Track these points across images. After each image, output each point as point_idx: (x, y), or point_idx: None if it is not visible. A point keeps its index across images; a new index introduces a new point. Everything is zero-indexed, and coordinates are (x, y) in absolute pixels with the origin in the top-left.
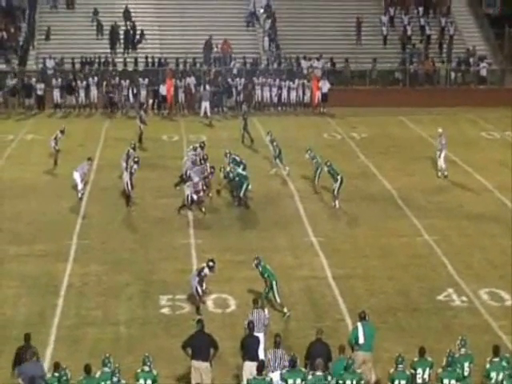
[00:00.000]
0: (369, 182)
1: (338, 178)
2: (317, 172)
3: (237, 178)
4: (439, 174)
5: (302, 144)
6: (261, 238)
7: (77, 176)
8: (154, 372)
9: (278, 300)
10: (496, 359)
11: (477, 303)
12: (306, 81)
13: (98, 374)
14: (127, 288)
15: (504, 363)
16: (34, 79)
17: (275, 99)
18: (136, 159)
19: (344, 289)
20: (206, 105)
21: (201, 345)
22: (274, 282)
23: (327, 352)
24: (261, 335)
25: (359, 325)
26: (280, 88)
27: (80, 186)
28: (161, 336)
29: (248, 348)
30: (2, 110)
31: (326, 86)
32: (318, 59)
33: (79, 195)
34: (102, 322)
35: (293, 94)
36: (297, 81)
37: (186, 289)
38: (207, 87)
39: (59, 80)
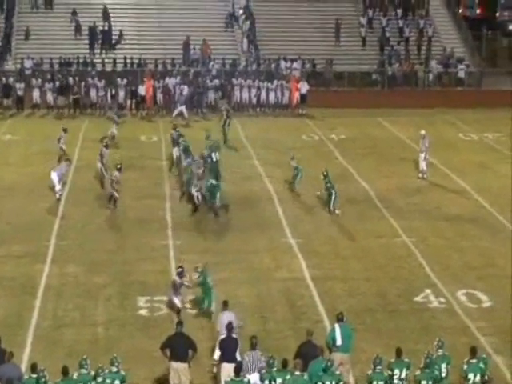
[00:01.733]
0: (347, 183)
1: (333, 191)
2: (296, 177)
3: (207, 192)
4: (420, 175)
5: (281, 145)
6: (240, 239)
7: (54, 176)
8: (122, 372)
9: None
10: (473, 360)
11: (454, 304)
12: (284, 82)
13: (75, 376)
14: (105, 289)
15: (481, 364)
16: (11, 79)
17: (254, 100)
18: (118, 166)
19: (322, 290)
20: (182, 108)
21: (179, 346)
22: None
23: (318, 353)
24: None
25: (336, 326)
26: (259, 89)
27: (58, 187)
28: (139, 337)
29: (226, 349)
30: None
31: (304, 87)
32: (296, 60)
33: (57, 196)
34: (79, 324)
35: (271, 95)
36: (275, 82)
37: (164, 290)
38: (184, 90)
39: (55, 81)
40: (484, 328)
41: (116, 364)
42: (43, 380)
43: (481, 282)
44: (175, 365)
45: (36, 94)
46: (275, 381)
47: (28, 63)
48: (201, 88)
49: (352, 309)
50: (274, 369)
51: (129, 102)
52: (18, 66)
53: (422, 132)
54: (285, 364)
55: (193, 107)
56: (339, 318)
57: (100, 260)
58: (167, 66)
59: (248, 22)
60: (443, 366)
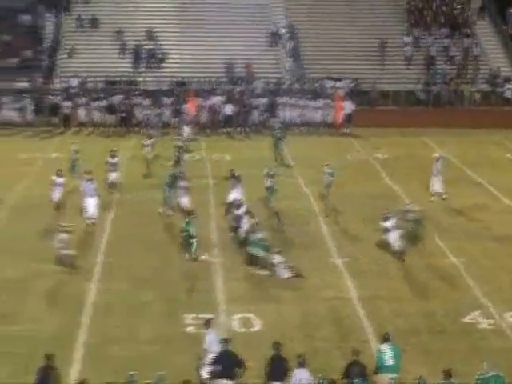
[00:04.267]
0: (392, 202)
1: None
2: (328, 189)
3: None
4: (431, 198)
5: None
6: (285, 258)
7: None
8: None
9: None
10: None
11: (504, 326)
12: (330, 101)
13: None
14: (151, 306)
15: None
16: (59, 97)
17: (299, 119)
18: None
19: (369, 310)
20: (186, 129)
21: (227, 363)
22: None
23: (365, 372)
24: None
25: (385, 346)
26: (304, 108)
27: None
28: (186, 354)
29: (274, 368)
30: (28, 128)
31: (350, 106)
32: (341, 79)
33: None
34: (126, 340)
35: (317, 114)
36: (321, 100)
37: (210, 308)
38: (228, 109)
39: (101, 99)
40: None
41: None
42: None
43: None
44: (222, 382)
45: (82, 112)
46: None
47: (74, 82)
48: (246, 107)
49: (399, 329)
50: None
51: (173, 120)
52: (64, 84)
53: (436, 155)
54: None
55: (238, 126)
56: (386, 338)
57: (146, 277)
58: (212, 84)
59: (292, 41)
60: None
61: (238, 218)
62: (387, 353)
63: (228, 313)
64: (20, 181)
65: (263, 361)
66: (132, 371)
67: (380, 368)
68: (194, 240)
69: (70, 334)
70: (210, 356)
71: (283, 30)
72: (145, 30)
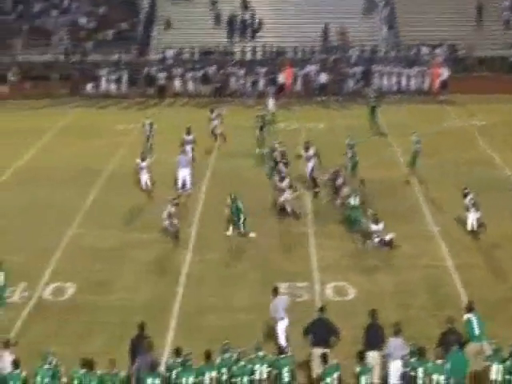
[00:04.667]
0: (491, 169)
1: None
2: (415, 159)
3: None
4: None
5: (422, 131)
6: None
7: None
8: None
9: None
10: None
11: None
12: (425, 68)
13: (218, 360)
14: (246, 275)
15: None
16: (154, 69)
17: (395, 87)
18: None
19: (465, 278)
20: (271, 101)
21: (322, 331)
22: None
23: (460, 340)
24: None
25: (471, 316)
26: (399, 75)
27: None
28: None
29: (370, 337)
30: (123, 99)
31: (445, 73)
32: (438, 46)
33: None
34: (221, 309)
35: (412, 82)
36: (416, 68)
37: (305, 277)
38: (322, 78)
39: (196, 70)
40: None
41: (259, 349)
42: (189, 363)
43: None
44: (317, 350)
45: (177, 83)
46: (415, 370)
47: (169, 53)
48: (340, 75)
49: (496, 297)
50: (414, 358)
51: (268, 89)
52: (160, 55)
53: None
54: (422, 352)
55: (332, 94)
56: (471, 308)
57: (240, 247)
58: (306, 53)
59: (387, 8)
60: None
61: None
62: (474, 322)
63: (322, 281)
64: (117, 151)
65: (357, 329)
66: (226, 340)
67: (470, 338)
68: (241, 215)
69: (164, 304)
70: (281, 324)
71: None
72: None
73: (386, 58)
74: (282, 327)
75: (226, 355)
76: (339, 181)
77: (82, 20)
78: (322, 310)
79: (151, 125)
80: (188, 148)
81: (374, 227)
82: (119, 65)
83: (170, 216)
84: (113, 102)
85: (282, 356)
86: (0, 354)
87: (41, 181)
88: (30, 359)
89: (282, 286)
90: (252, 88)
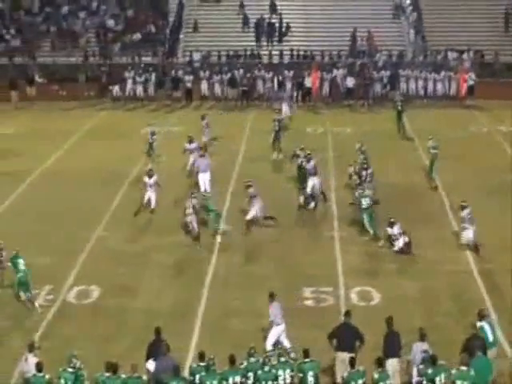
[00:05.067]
0: None
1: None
2: (433, 164)
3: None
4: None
5: (448, 136)
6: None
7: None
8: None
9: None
10: None
11: None
12: (452, 73)
13: (244, 364)
14: (270, 279)
15: None
16: (180, 72)
17: (421, 91)
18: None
19: (489, 284)
20: (284, 107)
21: (346, 336)
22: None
23: (484, 346)
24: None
25: (484, 324)
26: (426, 80)
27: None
28: (305, 328)
29: (388, 345)
30: (150, 102)
31: (472, 78)
32: (464, 52)
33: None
34: (245, 313)
35: (439, 86)
36: (443, 73)
37: (330, 281)
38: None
39: (223, 73)
40: None
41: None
42: (212, 368)
43: None
44: (342, 355)
45: (204, 86)
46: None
47: (196, 56)
48: (367, 80)
49: None
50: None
51: (295, 93)
52: (187, 58)
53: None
54: (434, 360)
55: (359, 99)
56: (483, 315)
57: (265, 250)
58: (334, 57)
59: (415, 13)
60: None
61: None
62: (487, 329)
63: (347, 286)
64: (142, 154)
65: (380, 335)
66: (251, 344)
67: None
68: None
69: (188, 307)
70: (276, 329)
71: (407, 2)
72: (267, 2)
73: (413, 62)
74: (276, 332)
75: (252, 359)
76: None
77: (110, 22)
78: (347, 314)
79: (153, 133)
80: (191, 156)
81: (389, 231)
82: (146, 67)
83: (193, 208)
84: (140, 105)
85: (307, 360)
86: (25, 356)
87: (66, 183)
88: (54, 362)
89: (307, 291)
90: (279, 92)
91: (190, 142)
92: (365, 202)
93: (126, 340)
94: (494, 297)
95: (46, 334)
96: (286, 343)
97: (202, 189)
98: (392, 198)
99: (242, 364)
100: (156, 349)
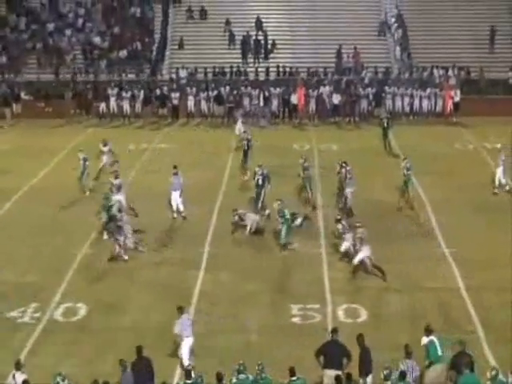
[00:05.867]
0: (501, 192)
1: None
2: (407, 184)
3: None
4: (495, 190)
5: (434, 153)
6: (391, 248)
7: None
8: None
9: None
10: None
11: None
12: (438, 90)
13: (234, 380)
14: (257, 296)
15: None
16: (165, 88)
17: (407, 108)
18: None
19: (476, 301)
20: (239, 125)
21: (334, 353)
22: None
23: (471, 363)
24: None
25: (433, 338)
26: (412, 97)
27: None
28: (292, 345)
29: (365, 361)
30: (136, 119)
31: (458, 95)
32: (449, 68)
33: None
34: (232, 330)
35: (425, 103)
36: (429, 90)
37: (317, 298)
38: (336, 99)
39: (209, 90)
40: None
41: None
42: None
43: None
44: (329, 372)
45: (191, 103)
46: None
47: (182, 73)
48: (353, 96)
49: (506, 320)
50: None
51: (281, 110)
52: (173, 75)
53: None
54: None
55: (345, 116)
56: (430, 330)
57: (252, 267)
58: (320, 74)
59: (400, 30)
60: None
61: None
62: (436, 343)
63: (334, 303)
64: (129, 172)
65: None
66: (241, 360)
67: (435, 359)
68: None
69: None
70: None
71: (392, 19)
72: (253, 19)
73: (399, 79)
74: (187, 345)
75: (242, 376)
76: None
77: (96, 39)
78: (334, 331)
79: (85, 159)
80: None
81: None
82: (133, 84)
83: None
84: (126, 122)
85: (294, 378)
86: (12, 373)
87: (53, 200)
88: (41, 380)
89: (295, 308)
90: (265, 109)
91: (105, 144)
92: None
93: (113, 358)
94: (481, 313)
95: (33, 351)
96: (187, 362)
97: (174, 207)
98: (378, 215)
99: (230, 381)
100: (140, 368)
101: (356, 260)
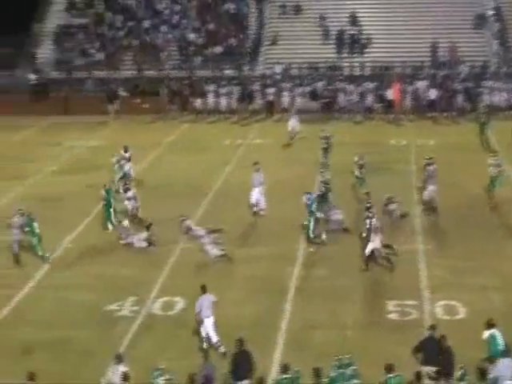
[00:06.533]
0: None
1: None
2: (494, 182)
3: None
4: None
5: None
6: (489, 243)
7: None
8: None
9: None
10: None
11: None
12: None
13: (332, 374)
14: (353, 292)
15: None
16: (260, 84)
17: (505, 103)
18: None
19: None
20: (292, 121)
21: (432, 350)
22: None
23: None
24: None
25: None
26: (510, 91)
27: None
28: (388, 341)
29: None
30: (232, 114)
31: None
32: None
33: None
34: (328, 326)
35: None
36: None
37: (414, 295)
38: (432, 94)
39: (304, 86)
40: None
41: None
42: (298, 381)
43: None
44: (427, 369)
45: (285, 98)
46: None
47: (277, 68)
48: (450, 91)
49: None
50: None
51: (377, 105)
52: (268, 71)
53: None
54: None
55: (442, 111)
56: (492, 324)
57: (347, 263)
58: (416, 69)
59: (498, 23)
60: None
61: None
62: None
63: (431, 300)
64: (223, 167)
65: (465, 349)
66: (338, 355)
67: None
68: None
69: (271, 319)
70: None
71: (490, 12)
72: (348, 14)
73: (497, 73)
74: (208, 325)
75: (340, 370)
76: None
77: (191, 36)
78: (432, 328)
79: (118, 161)
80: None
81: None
82: (228, 80)
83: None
84: (221, 118)
85: (391, 375)
86: (115, 367)
87: (150, 196)
88: (139, 373)
89: (391, 304)
90: (360, 104)
91: (126, 151)
92: None
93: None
94: None
95: (132, 345)
96: (215, 338)
97: (254, 203)
98: (473, 211)
99: (329, 375)
100: (242, 359)
101: (367, 250)
